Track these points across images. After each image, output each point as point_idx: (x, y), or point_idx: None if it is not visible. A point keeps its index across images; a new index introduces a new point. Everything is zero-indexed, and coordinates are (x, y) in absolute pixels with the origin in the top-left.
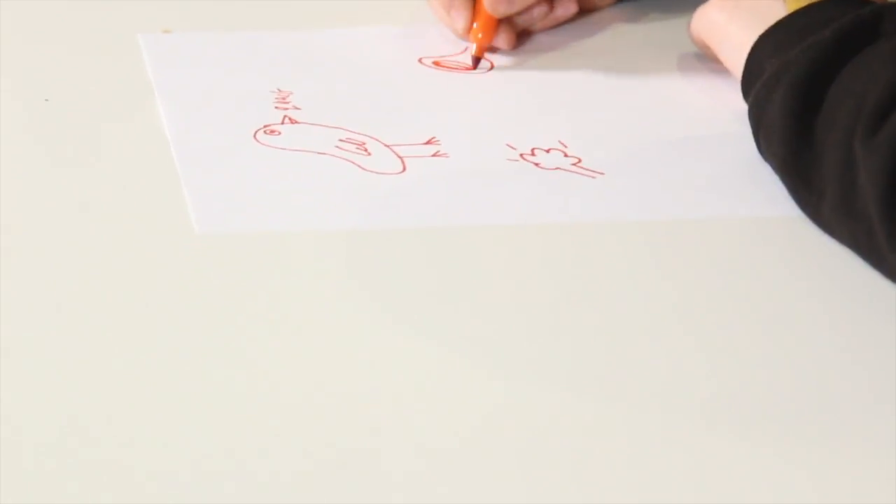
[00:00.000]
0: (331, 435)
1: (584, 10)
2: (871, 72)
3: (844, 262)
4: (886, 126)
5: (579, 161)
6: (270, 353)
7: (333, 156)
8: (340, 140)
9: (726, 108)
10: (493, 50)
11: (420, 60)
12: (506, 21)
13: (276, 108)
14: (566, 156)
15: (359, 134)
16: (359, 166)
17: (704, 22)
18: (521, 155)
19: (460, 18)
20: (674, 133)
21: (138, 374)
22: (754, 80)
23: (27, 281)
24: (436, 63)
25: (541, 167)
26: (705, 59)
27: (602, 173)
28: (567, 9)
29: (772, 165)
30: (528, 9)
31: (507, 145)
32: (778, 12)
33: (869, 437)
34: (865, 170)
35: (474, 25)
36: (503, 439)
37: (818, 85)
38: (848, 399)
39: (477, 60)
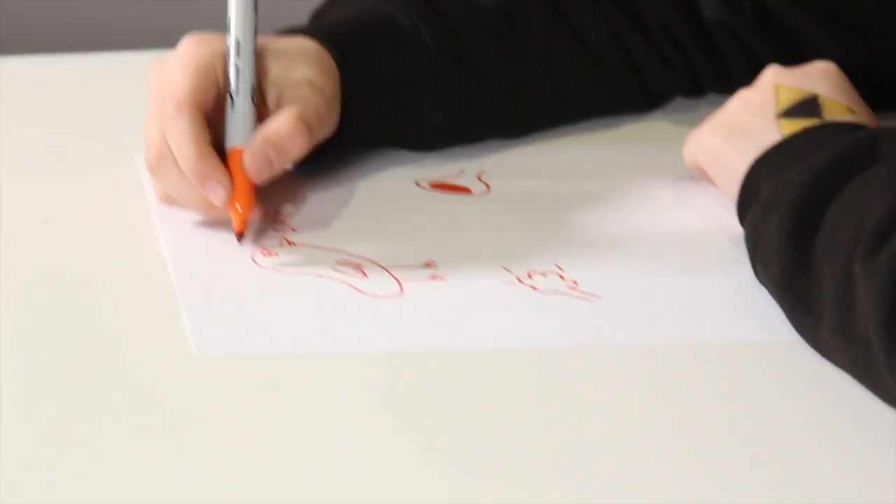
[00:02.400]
0: None
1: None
2: (870, 195)
3: (842, 386)
4: (887, 248)
5: (576, 285)
6: (265, 475)
7: (330, 278)
8: (338, 262)
9: (722, 231)
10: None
11: (417, 182)
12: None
13: (274, 229)
14: (563, 279)
15: (356, 256)
16: (356, 289)
17: (699, 145)
18: (518, 278)
19: (221, 189)
20: (670, 256)
21: (136, 495)
22: (750, 204)
23: (26, 407)
24: (433, 185)
25: (538, 291)
26: (700, 181)
27: (598, 297)
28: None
29: (768, 288)
30: None
31: (504, 268)
32: (772, 136)
33: None
34: (866, 291)
35: None
36: None
37: (815, 208)
38: None
39: (240, 236)
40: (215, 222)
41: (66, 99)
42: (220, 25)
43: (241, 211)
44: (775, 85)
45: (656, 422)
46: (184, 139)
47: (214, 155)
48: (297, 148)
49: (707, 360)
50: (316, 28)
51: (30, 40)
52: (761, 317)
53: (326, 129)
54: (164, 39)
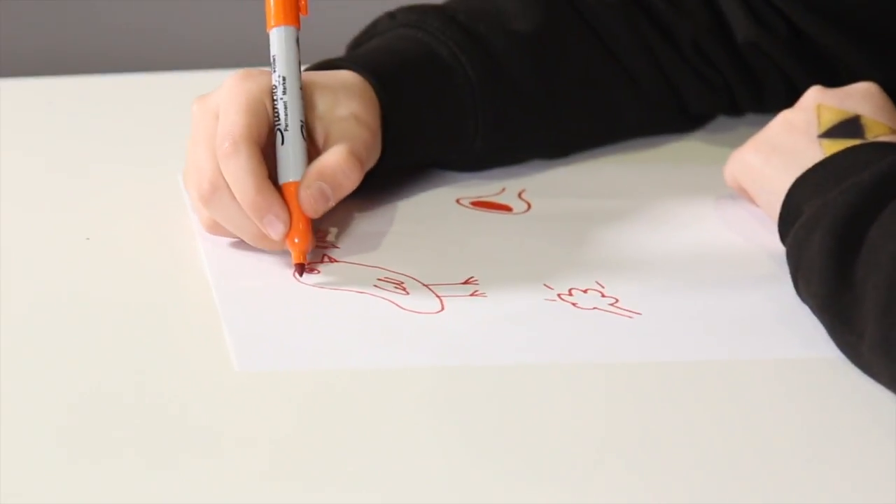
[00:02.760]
0: None
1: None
2: None
3: (885, 403)
4: None
5: (617, 301)
6: (306, 490)
7: (372, 295)
8: (379, 279)
9: (763, 250)
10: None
11: (458, 201)
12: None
13: (316, 247)
14: (603, 296)
15: (397, 273)
16: (397, 305)
17: (740, 165)
18: (559, 295)
19: (280, 224)
20: (711, 274)
21: None
22: (792, 222)
23: (67, 423)
24: (473, 203)
25: (578, 307)
26: (741, 201)
27: (639, 313)
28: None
29: (810, 306)
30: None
31: (545, 285)
32: (814, 155)
33: None
34: None
35: None
36: None
37: (858, 227)
38: None
39: (301, 267)
40: None
41: (108, 118)
42: (246, 50)
43: (299, 243)
44: (817, 105)
45: (698, 438)
46: (242, 174)
47: (273, 189)
48: (351, 182)
49: (749, 378)
50: (354, 59)
51: (76, 60)
52: (803, 334)
53: (373, 160)
54: (201, 61)
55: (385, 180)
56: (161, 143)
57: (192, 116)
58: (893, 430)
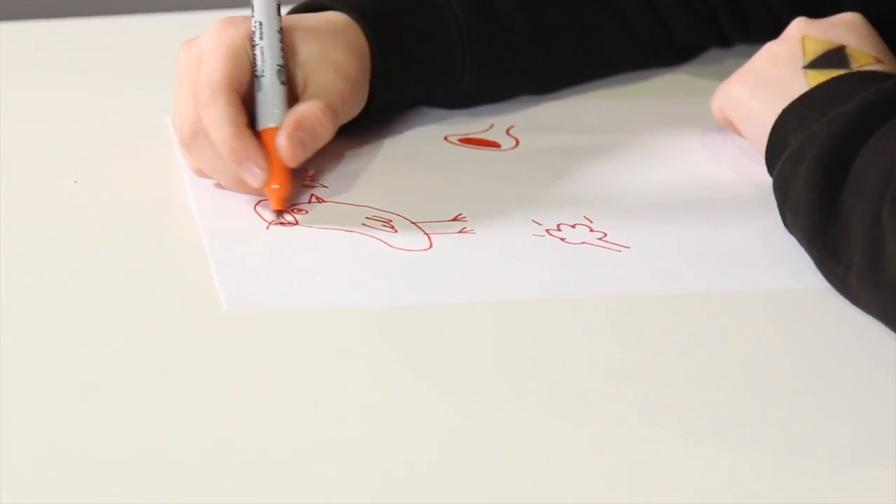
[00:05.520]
0: None
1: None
2: None
3: (873, 333)
4: None
5: (605, 235)
6: (295, 426)
7: (360, 233)
8: (367, 218)
9: (750, 182)
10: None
11: (446, 138)
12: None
13: (303, 186)
14: (592, 230)
15: (385, 211)
16: (386, 243)
17: (726, 98)
18: (547, 230)
19: (258, 170)
20: (698, 207)
21: (165, 452)
22: (778, 154)
23: (55, 357)
24: (462, 140)
25: (566, 242)
26: (728, 133)
27: (628, 247)
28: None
29: (797, 237)
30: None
31: (533, 221)
32: (800, 86)
33: None
34: (894, 237)
35: None
36: None
37: (843, 157)
38: (881, 469)
39: (280, 214)
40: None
41: (95, 61)
42: None
43: (277, 189)
44: (802, 36)
45: (687, 370)
46: (220, 121)
47: (251, 136)
48: (326, 133)
49: (737, 310)
50: (343, 0)
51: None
52: (791, 266)
53: (352, 110)
54: (190, 3)
55: (373, 120)
56: (150, 86)
57: (177, 62)
58: (881, 360)
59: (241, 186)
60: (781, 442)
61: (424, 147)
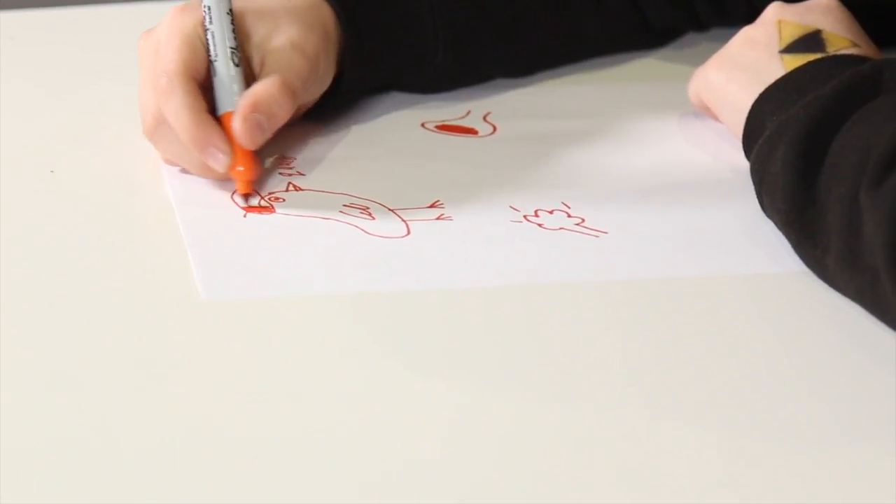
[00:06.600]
0: (338, 498)
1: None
2: (874, 126)
3: (850, 316)
4: (892, 176)
5: (582, 221)
6: (273, 414)
7: (338, 221)
8: (344, 205)
9: (727, 167)
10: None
11: (423, 125)
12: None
13: (280, 174)
14: (569, 216)
15: (363, 199)
16: (363, 231)
17: (703, 82)
18: (525, 216)
19: (221, 156)
20: (676, 192)
21: (142, 441)
22: (755, 138)
23: (33, 349)
24: (439, 127)
25: (544, 228)
26: (705, 118)
27: (605, 232)
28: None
29: (775, 221)
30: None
31: (511, 207)
32: (776, 71)
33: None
34: (871, 219)
35: None
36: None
37: (820, 140)
38: (853, 453)
39: (248, 197)
40: None
41: (72, 52)
42: None
43: (242, 171)
44: (778, 20)
45: (663, 354)
46: (179, 110)
47: (212, 122)
48: (284, 112)
49: (714, 293)
50: None
51: None
52: (768, 249)
53: (316, 88)
54: None
55: (348, 105)
56: (127, 75)
57: (137, 53)
58: (858, 343)
59: (208, 172)
60: (758, 421)
61: (401, 134)
